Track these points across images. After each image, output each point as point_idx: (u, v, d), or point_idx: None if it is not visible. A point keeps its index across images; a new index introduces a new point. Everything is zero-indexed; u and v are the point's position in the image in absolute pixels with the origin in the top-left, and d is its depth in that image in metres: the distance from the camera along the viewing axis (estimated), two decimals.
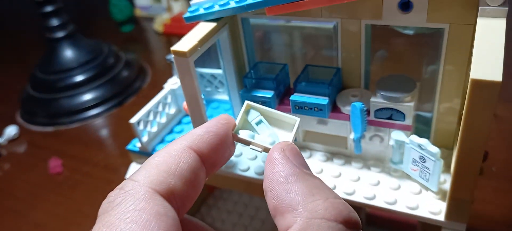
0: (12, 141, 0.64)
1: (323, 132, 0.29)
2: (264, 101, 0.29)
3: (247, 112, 0.23)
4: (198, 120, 0.29)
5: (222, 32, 0.29)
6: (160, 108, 0.38)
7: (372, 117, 0.26)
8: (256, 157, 0.31)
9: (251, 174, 0.29)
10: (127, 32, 0.95)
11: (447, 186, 0.25)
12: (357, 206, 0.25)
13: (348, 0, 0.22)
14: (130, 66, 0.74)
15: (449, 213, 0.23)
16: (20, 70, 0.85)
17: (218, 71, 0.39)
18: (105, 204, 0.16)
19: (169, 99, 0.39)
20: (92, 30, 0.97)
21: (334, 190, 0.27)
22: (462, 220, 0.23)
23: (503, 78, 0.17)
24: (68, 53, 0.69)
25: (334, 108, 0.28)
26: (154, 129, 0.37)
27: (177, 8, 0.92)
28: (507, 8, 0.20)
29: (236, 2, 0.26)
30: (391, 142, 0.26)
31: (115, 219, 0.15)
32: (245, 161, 0.30)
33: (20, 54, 0.98)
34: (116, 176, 0.53)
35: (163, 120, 0.38)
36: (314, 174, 0.22)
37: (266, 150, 0.20)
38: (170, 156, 0.17)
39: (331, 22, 0.27)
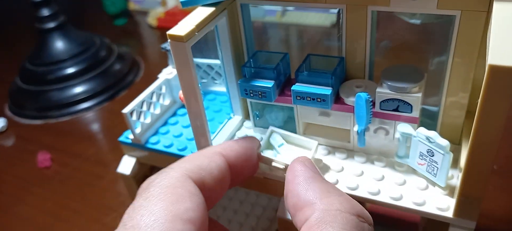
0: None
1: (325, 124, 0.28)
2: (263, 91, 0.28)
3: (270, 136, 0.27)
4: (194, 110, 0.27)
5: (220, 17, 0.27)
6: (154, 98, 0.36)
7: (377, 108, 0.25)
8: None
9: None
10: (120, 25, 0.93)
11: (454, 181, 0.24)
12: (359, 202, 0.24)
13: None
14: (123, 59, 0.72)
15: (458, 209, 0.22)
16: (9, 61, 0.83)
17: (215, 62, 0.38)
18: (145, 183, 0.18)
19: (163, 90, 0.37)
20: (84, 23, 0.95)
21: (337, 185, 0.25)
22: (472, 217, 0.22)
23: None
24: (59, 44, 0.67)
25: (337, 99, 0.27)
26: (148, 120, 0.36)
27: (171, 2, 0.91)
28: None
29: None
30: (397, 135, 0.25)
31: (155, 192, 0.17)
32: None
33: (9, 45, 0.95)
34: (107, 171, 0.51)
35: (157, 111, 0.37)
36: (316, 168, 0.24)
37: (287, 166, 0.22)
38: (204, 155, 0.20)
39: (335, 8, 0.26)
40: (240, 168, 0.22)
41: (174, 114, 0.38)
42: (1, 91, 0.72)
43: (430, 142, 0.23)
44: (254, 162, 0.23)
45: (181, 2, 0.27)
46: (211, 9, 0.26)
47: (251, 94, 0.28)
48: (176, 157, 0.33)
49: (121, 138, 0.36)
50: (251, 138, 0.23)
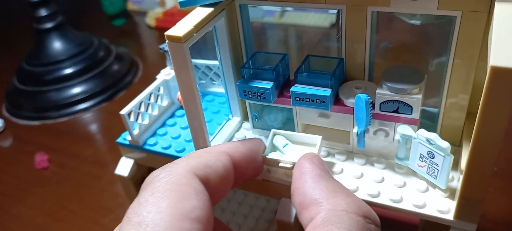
0: None
1: (325, 125, 0.28)
2: (262, 93, 0.27)
3: (273, 139, 0.27)
4: (192, 112, 0.27)
5: (219, 18, 0.27)
6: (152, 100, 0.36)
7: (377, 110, 0.25)
8: None
9: None
10: (118, 26, 0.93)
11: (455, 183, 0.24)
12: None
13: None
14: (121, 60, 0.72)
15: (459, 212, 0.22)
16: (7, 62, 0.83)
17: (214, 63, 0.38)
18: (149, 178, 0.18)
19: (161, 91, 0.37)
20: (83, 23, 0.95)
21: None
22: (472, 220, 0.22)
23: None
24: (57, 45, 0.66)
25: (337, 100, 0.27)
26: (146, 121, 0.35)
27: (170, 2, 0.90)
28: None
29: None
30: (397, 137, 0.24)
31: (160, 188, 0.17)
32: None
33: (6, 46, 0.95)
34: (104, 172, 0.51)
35: (155, 112, 0.36)
36: None
37: (295, 164, 0.22)
38: (210, 153, 0.20)
39: (335, 8, 0.25)
40: (244, 169, 0.22)
41: (172, 115, 0.38)
42: None
43: (430, 143, 0.22)
44: (258, 164, 0.23)
45: (179, 2, 0.27)
46: (210, 10, 0.26)
47: (250, 96, 0.28)
48: (174, 159, 0.33)
49: (119, 139, 0.36)
50: (257, 140, 0.23)
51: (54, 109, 0.64)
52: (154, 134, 0.36)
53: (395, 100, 0.24)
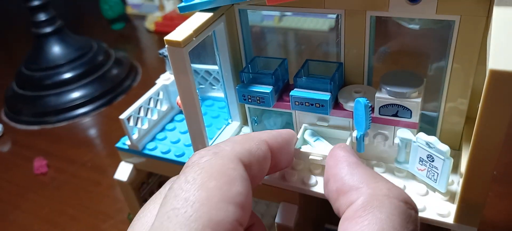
0: None
1: (324, 129, 0.28)
2: (262, 97, 0.27)
3: (305, 133, 0.27)
4: (192, 117, 0.27)
5: (218, 23, 0.27)
6: (151, 104, 0.36)
7: (376, 114, 0.25)
8: None
9: None
10: (118, 30, 0.93)
11: (455, 187, 0.24)
12: None
13: None
14: (121, 64, 0.72)
15: (459, 216, 0.22)
16: (5, 66, 0.83)
17: (213, 67, 0.38)
18: (195, 157, 0.18)
19: (161, 96, 0.37)
20: (82, 27, 0.95)
21: None
22: (472, 223, 0.22)
23: None
24: (56, 49, 0.66)
25: (336, 105, 0.27)
26: (145, 126, 0.35)
27: (169, 6, 0.91)
28: None
29: None
30: (396, 140, 0.24)
31: (208, 168, 0.17)
32: None
33: (5, 50, 0.95)
34: (103, 177, 0.51)
35: (155, 117, 0.36)
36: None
37: (325, 158, 0.23)
38: (252, 140, 0.19)
39: (334, 13, 0.25)
40: (279, 159, 0.22)
41: (172, 120, 0.38)
42: None
43: (430, 147, 0.22)
44: (291, 155, 0.23)
45: (179, 7, 0.27)
46: (209, 14, 0.26)
47: (250, 100, 0.28)
48: (173, 163, 0.33)
49: (118, 144, 0.36)
50: (291, 132, 0.23)
51: (53, 114, 0.64)
52: (153, 139, 0.36)
53: (394, 104, 0.24)
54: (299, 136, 0.27)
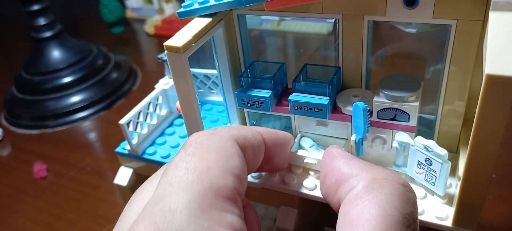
0: None
1: (323, 133, 0.28)
2: (261, 101, 0.27)
3: (301, 140, 0.28)
4: (191, 121, 0.27)
5: (217, 28, 0.27)
6: (150, 109, 0.36)
7: (375, 118, 0.25)
8: None
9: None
10: (117, 33, 0.93)
11: (453, 190, 0.24)
12: None
13: None
14: (120, 68, 0.72)
15: (457, 218, 0.22)
16: (4, 70, 0.83)
17: (212, 72, 0.38)
18: (193, 137, 0.19)
19: (160, 100, 0.37)
20: (81, 31, 0.95)
21: None
22: (471, 226, 0.22)
23: None
24: (55, 53, 0.66)
25: (334, 109, 0.27)
26: (144, 130, 0.35)
27: (168, 10, 0.91)
28: None
29: None
30: (395, 144, 0.25)
31: (206, 145, 0.18)
32: None
33: (4, 54, 0.95)
34: (103, 181, 0.51)
35: (154, 121, 0.36)
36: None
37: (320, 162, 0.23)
38: (247, 129, 0.20)
39: (332, 18, 0.26)
40: (272, 155, 0.22)
41: (171, 124, 0.38)
42: None
43: (428, 150, 0.22)
44: (286, 156, 0.23)
45: (178, 13, 0.27)
46: (208, 20, 0.26)
47: (249, 104, 0.28)
48: None
49: (118, 149, 0.36)
50: (289, 134, 0.24)
51: (53, 118, 0.64)
52: (153, 143, 0.36)
53: (392, 108, 0.24)
54: (295, 142, 0.27)
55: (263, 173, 0.27)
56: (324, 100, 0.26)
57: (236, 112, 0.32)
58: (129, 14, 0.98)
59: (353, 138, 0.25)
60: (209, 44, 0.29)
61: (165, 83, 0.38)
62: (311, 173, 0.27)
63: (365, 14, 0.24)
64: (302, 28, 0.68)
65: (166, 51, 0.24)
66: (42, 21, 0.64)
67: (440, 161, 0.22)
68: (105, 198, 0.48)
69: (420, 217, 0.23)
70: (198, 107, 0.27)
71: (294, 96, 0.27)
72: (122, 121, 0.33)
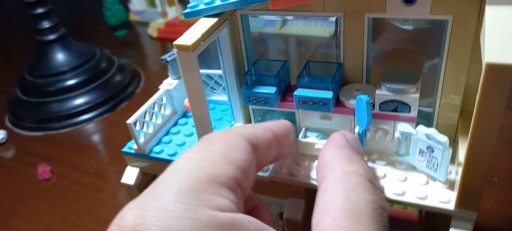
0: None
1: (326, 127, 0.29)
2: (266, 97, 0.28)
3: (306, 133, 0.29)
4: (200, 117, 0.28)
5: (222, 28, 0.28)
6: (156, 109, 0.37)
7: (377, 110, 0.26)
8: None
9: None
10: (121, 36, 0.94)
11: (453, 176, 0.25)
12: None
13: None
14: (124, 70, 0.73)
15: (460, 201, 0.23)
16: (9, 73, 0.83)
17: (214, 72, 0.39)
18: (206, 135, 0.20)
19: (164, 100, 0.38)
20: (85, 34, 0.96)
21: None
22: (473, 208, 0.23)
23: None
24: (59, 56, 0.67)
25: (337, 103, 0.28)
26: (150, 130, 0.36)
27: (171, 13, 0.92)
28: None
29: None
30: (397, 134, 0.26)
31: (214, 139, 0.19)
32: None
33: (9, 57, 0.96)
34: (106, 183, 0.51)
35: (159, 120, 0.37)
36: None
37: None
38: (258, 127, 0.21)
39: (333, 16, 0.27)
40: (282, 147, 0.23)
41: (175, 124, 0.39)
42: (0, 103, 0.72)
43: (429, 139, 0.23)
44: (291, 143, 0.24)
45: (184, 13, 0.28)
46: (214, 20, 0.27)
47: (254, 101, 0.29)
48: None
49: (124, 149, 0.36)
50: (289, 122, 0.24)
51: (56, 120, 0.64)
52: (159, 142, 0.37)
53: (394, 100, 0.25)
54: (300, 136, 0.28)
55: (270, 166, 0.28)
56: (328, 94, 0.27)
57: (240, 109, 0.33)
58: (133, 17, 0.99)
59: (357, 130, 0.26)
60: (213, 45, 0.30)
61: (169, 84, 0.39)
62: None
63: (365, 12, 0.25)
64: (305, 31, 0.69)
65: (175, 50, 0.25)
66: (46, 24, 0.65)
67: (441, 147, 0.23)
68: (108, 200, 0.48)
69: (424, 202, 0.24)
70: (206, 104, 0.27)
71: (299, 92, 0.28)
72: (130, 120, 0.34)
